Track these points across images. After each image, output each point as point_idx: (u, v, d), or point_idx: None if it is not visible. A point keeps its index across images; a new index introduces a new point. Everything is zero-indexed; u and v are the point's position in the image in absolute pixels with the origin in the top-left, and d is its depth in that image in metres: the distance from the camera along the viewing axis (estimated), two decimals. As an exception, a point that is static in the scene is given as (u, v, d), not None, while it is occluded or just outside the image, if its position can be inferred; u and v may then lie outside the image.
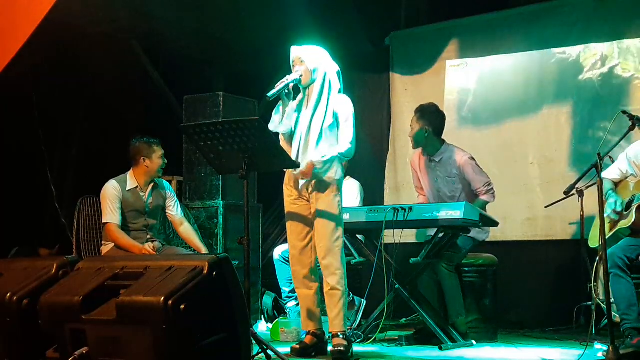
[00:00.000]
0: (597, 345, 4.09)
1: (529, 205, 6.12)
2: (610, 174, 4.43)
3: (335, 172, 4.19)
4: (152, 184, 5.00)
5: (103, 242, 4.97)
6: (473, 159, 5.05)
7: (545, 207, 5.60)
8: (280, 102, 4.20)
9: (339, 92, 4.29)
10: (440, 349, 4.43)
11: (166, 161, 5.02)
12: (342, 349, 4.07)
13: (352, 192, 5.72)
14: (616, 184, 4.45)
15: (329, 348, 4.20)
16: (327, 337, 4.35)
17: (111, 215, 4.82)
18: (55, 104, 6.72)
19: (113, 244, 4.86)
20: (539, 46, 6.29)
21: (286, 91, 4.16)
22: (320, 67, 4.21)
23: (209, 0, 6.17)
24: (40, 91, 6.50)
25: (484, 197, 4.94)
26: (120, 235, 4.81)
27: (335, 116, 4.22)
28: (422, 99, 6.71)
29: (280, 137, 4.25)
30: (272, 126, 4.20)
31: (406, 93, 6.86)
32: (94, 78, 6.49)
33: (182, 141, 6.12)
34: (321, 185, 4.19)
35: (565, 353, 4.29)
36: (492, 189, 5.01)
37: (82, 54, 6.23)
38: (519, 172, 6.22)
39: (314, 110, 4.19)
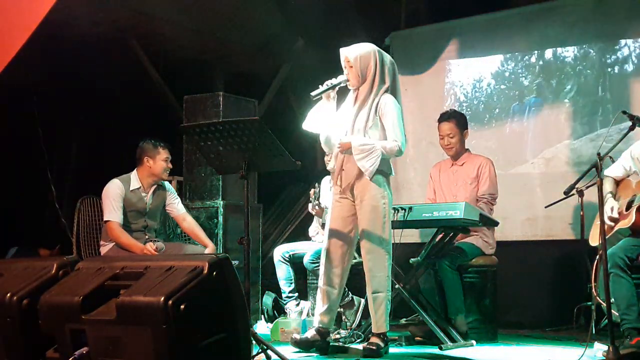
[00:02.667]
0: (597, 345, 4.08)
1: (529, 205, 6.12)
2: (614, 171, 4.42)
3: (375, 166, 4.06)
4: (154, 187, 5.00)
5: (102, 242, 4.96)
6: (492, 163, 5.09)
7: (545, 207, 5.60)
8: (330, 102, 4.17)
9: (389, 90, 4.20)
10: (440, 349, 4.42)
11: (171, 166, 5.02)
12: (373, 347, 4.11)
13: None
14: (618, 183, 4.45)
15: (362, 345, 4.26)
16: (330, 336, 4.37)
17: (113, 213, 4.81)
18: (55, 104, 6.72)
19: (112, 244, 4.86)
20: (539, 46, 6.30)
21: (332, 94, 4.14)
22: (369, 68, 4.15)
23: (209, 0, 6.17)
24: (40, 91, 6.50)
25: (482, 206, 4.93)
26: (122, 233, 4.81)
27: (377, 118, 4.15)
28: (422, 99, 6.75)
29: (321, 137, 4.25)
30: (306, 125, 4.20)
31: (406, 93, 6.83)
32: (93, 78, 6.49)
33: (182, 141, 6.12)
34: (364, 185, 4.13)
35: (565, 353, 4.29)
36: (494, 203, 5.02)
37: (82, 54, 6.23)
38: (519, 172, 6.22)
39: (358, 112, 4.16)
